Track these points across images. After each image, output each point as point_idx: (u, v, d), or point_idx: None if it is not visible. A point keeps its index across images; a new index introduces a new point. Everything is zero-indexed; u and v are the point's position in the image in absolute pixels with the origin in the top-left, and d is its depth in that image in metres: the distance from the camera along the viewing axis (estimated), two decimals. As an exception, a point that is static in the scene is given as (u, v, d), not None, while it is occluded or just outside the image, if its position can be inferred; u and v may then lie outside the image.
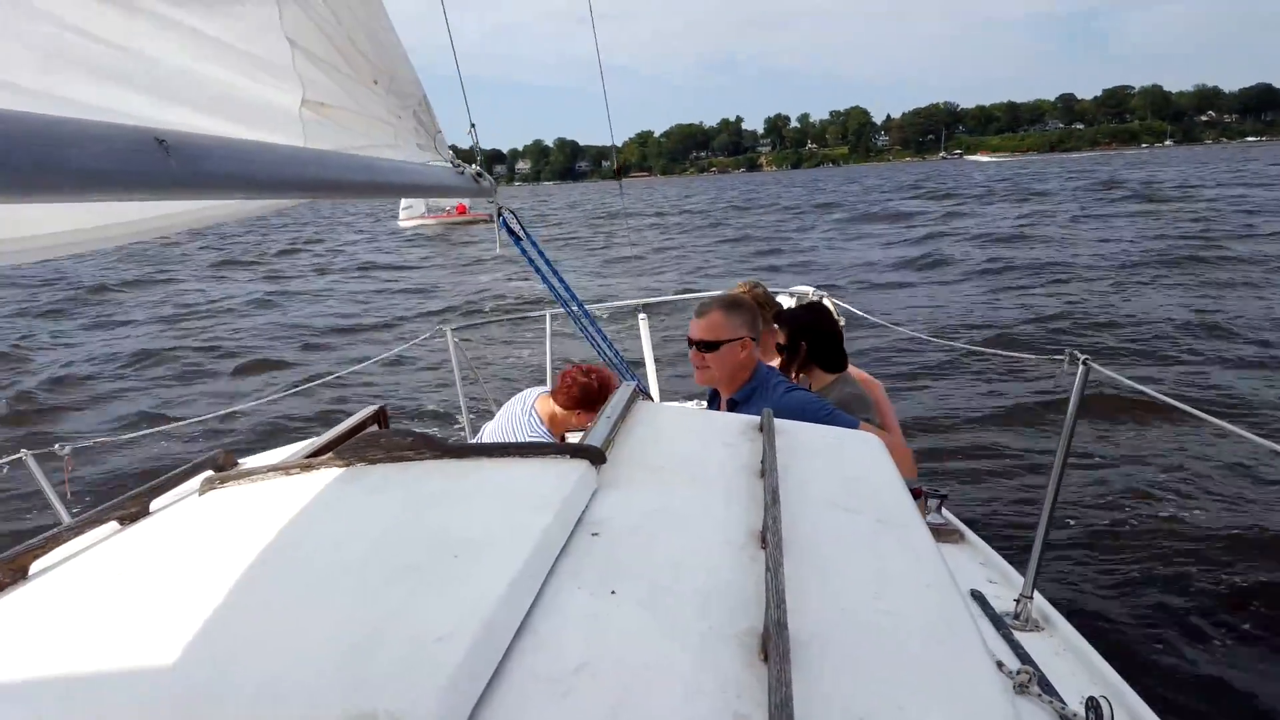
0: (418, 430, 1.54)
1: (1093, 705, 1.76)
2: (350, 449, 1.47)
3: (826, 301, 4.61)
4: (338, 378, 6.64)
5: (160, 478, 1.68)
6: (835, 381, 3.09)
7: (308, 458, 1.69)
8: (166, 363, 12.52)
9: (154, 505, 1.59)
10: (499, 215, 3.36)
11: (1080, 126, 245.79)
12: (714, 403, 2.77)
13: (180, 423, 4.80)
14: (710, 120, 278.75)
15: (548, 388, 3.41)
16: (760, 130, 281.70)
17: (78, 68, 1.59)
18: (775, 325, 3.20)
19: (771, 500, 1.23)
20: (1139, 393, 2.58)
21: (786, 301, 4.84)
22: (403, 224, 46.62)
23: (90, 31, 1.56)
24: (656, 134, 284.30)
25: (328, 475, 1.43)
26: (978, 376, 8.94)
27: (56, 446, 2.91)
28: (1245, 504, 5.21)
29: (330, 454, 1.49)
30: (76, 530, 1.43)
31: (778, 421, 1.71)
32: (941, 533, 3.34)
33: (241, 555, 1.16)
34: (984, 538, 3.30)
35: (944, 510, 3.49)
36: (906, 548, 1.20)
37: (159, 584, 1.16)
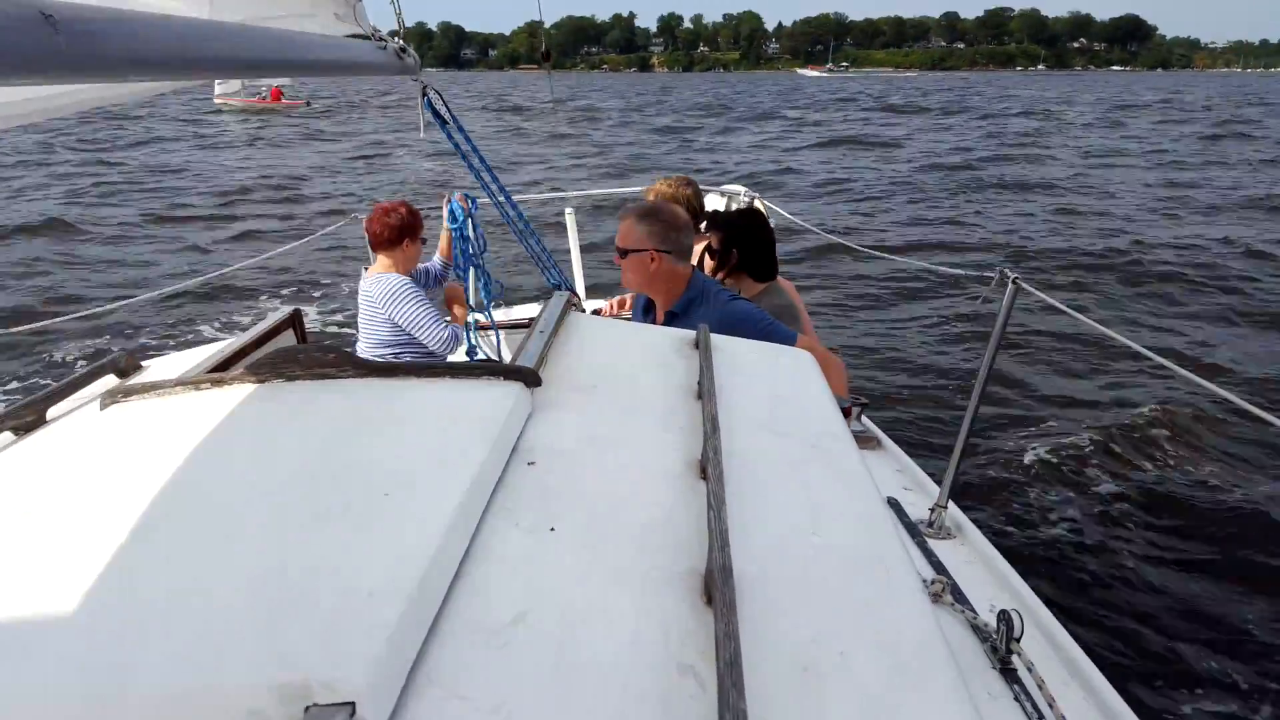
0: (338, 347, 1.41)
1: (1004, 617, 1.85)
2: (266, 363, 1.34)
3: (758, 204, 4.49)
4: (240, 268, 6.10)
5: (59, 382, 1.56)
6: (764, 291, 3.03)
7: (218, 370, 1.58)
8: (49, 244, 11.28)
9: (51, 413, 1.46)
10: (423, 95, 3.12)
11: (961, 46, 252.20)
12: (650, 313, 2.66)
13: (64, 318, 4.24)
14: (603, 14, 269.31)
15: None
16: (653, 29, 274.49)
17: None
18: (706, 228, 3.08)
19: (711, 429, 1.20)
20: (1064, 314, 2.64)
21: (717, 201, 4.68)
22: (216, 101, 43.62)
23: None
24: (547, 25, 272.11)
25: (241, 393, 1.31)
26: (905, 288, 8.91)
27: None
28: (1157, 428, 5.39)
29: (243, 368, 1.36)
30: None
31: (714, 337, 1.67)
32: (860, 440, 3.42)
33: (145, 489, 1.04)
34: (902, 445, 3.40)
35: (864, 418, 3.57)
36: (838, 475, 1.20)
37: (52, 522, 1.03)
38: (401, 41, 2.53)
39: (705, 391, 1.35)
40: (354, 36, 2.36)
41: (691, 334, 1.74)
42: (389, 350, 3.36)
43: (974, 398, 2.77)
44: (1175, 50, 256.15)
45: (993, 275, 2.71)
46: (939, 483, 2.95)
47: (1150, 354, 2.39)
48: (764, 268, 3.08)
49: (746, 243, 3.05)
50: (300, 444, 1.14)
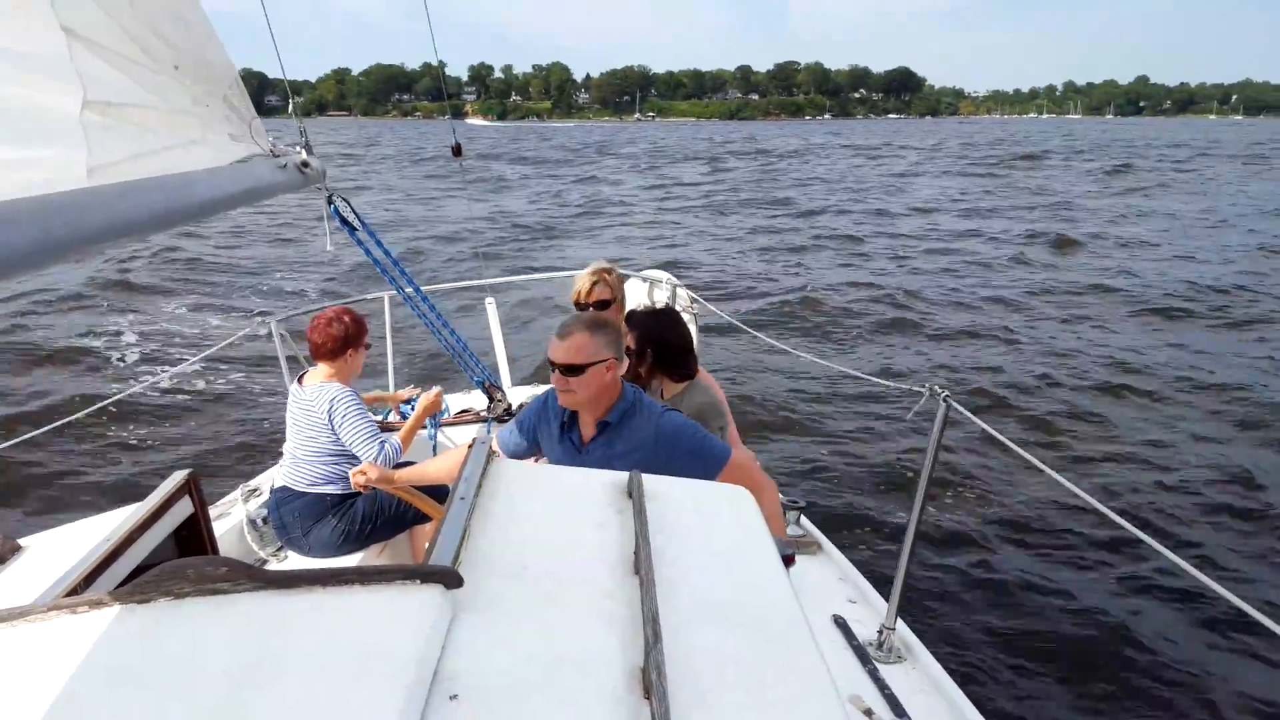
0: (231, 558, 1.27)
1: None
2: (154, 582, 1.20)
3: (680, 291, 4.46)
4: (136, 391, 5.17)
5: None
6: (687, 389, 3.00)
7: (110, 558, 1.49)
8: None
9: None
10: (329, 204, 2.87)
11: (755, 97, 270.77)
12: (568, 424, 2.52)
13: None
14: (412, 63, 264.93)
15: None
16: (465, 78, 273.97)
17: None
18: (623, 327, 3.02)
19: (653, 637, 1.14)
20: (992, 436, 2.71)
21: (638, 287, 4.62)
22: None
23: None
24: (355, 72, 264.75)
25: (124, 619, 1.15)
26: (834, 387, 8.61)
27: None
28: (1108, 549, 5.40)
29: (130, 589, 1.20)
30: None
31: (647, 483, 1.62)
32: (800, 544, 3.38)
33: None
34: (841, 548, 3.39)
35: (803, 520, 3.55)
36: (794, 674, 1.16)
37: None
38: (304, 152, 2.24)
39: (643, 574, 1.29)
40: (245, 159, 2.05)
41: (622, 478, 1.67)
42: (324, 463, 3.27)
43: (914, 515, 2.79)
44: (943, 99, 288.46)
45: (922, 390, 2.75)
46: (882, 592, 2.93)
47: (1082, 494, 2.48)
48: (681, 366, 3.02)
49: (661, 343, 2.99)
50: (190, 694, 1.01)
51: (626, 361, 2.52)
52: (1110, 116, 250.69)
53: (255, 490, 3.84)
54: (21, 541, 1.62)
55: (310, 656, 1.06)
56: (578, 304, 3.31)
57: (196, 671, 1.04)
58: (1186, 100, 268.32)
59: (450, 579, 1.22)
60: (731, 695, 1.09)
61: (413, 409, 3.82)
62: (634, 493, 1.55)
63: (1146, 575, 5.12)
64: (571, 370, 2.32)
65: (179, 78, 1.76)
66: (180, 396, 8.40)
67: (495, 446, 2.15)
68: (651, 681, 1.06)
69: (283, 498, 3.34)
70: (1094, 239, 18.90)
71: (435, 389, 3.55)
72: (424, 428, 3.87)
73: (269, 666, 1.04)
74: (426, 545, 1.36)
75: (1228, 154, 53.65)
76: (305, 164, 2.22)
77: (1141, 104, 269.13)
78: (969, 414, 2.69)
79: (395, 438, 3.27)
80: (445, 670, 1.08)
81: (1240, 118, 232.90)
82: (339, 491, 3.30)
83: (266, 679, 1.03)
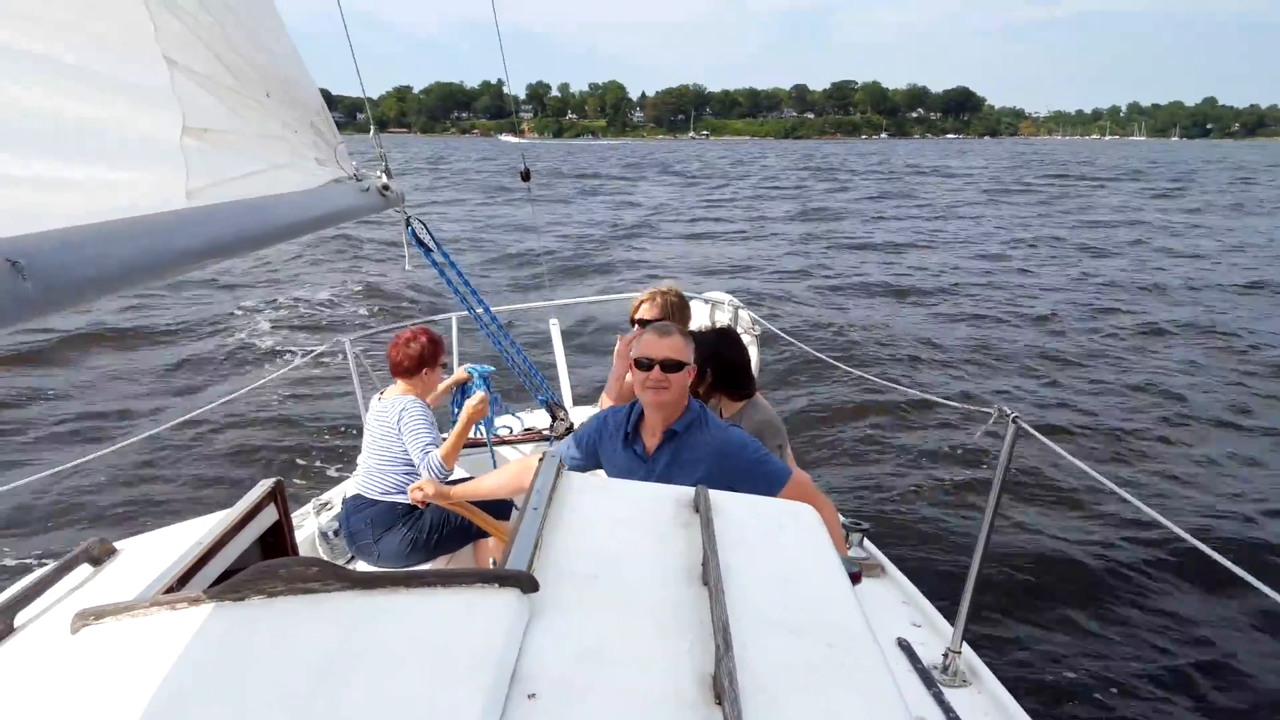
0: (321, 559, 1.36)
1: None
2: (248, 580, 1.26)
3: (742, 314, 4.49)
4: (217, 405, 5.40)
5: (27, 580, 1.56)
6: (745, 407, 3.03)
7: (201, 561, 1.58)
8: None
9: (20, 619, 1.44)
10: (407, 226, 2.97)
11: (811, 115, 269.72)
12: (631, 435, 2.53)
13: (17, 482, 3.35)
14: (472, 81, 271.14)
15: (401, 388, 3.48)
16: (523, 95, 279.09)
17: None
18: None
19: (724, 645, 1.15)
20: (1064, 458, 2.66)
21: (701, 309, 4.67)
22: None
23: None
24: (416, 90, 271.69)
25: (220, 613, 1.22)
26: (894, 407, 8.41)
27: None
28: (1184, 575, 5.22)
29: (224, 587, 1.28)
30: None
31: (712, 499, 1.65)
32: (864, 567, 3.35)
33: None
34: (905, 571, 3.35)
35: (866, 543, 3.52)
36: (861, 690, 1.16)
37: None
38: (384, 177, 2.31)
39: (712, 584, 1.31)
40: (330, 182, 2.12)
41: (689, 493, 1.70)
42: (397, 471, 3.36)
43: (981, 537, 2.76)
44: (1003, 119, 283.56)
45: (990, 411, 2.70)
46: (948, 616, 2.89)
47: (1141, 505, 2.40)
48: (740, 386, 3.06)
49: (719, 362, 3.03)
50: (280, 685, 1.06)
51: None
52: (1176, 139, 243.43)
53: (327, 504, 3.95)
54: (117, 544, 1.71)
55: (394, 652, 1.10)
56: (632, 320, 3.35)
57: (286, 664, 1.08)
58: (1256, 122, 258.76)
59: (526, 583, 1.25)
60: (802, 706, 1.09)
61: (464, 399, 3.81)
62: (700, 507, 1.58)
63: (1228, 604, 4.93)
64: (672, 366, 2.38)
65: (270, 105, 1.83)
66: (257, 413, 8.64)
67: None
68: (724, 688, 1.07)
69: (355, 505, 3.42)
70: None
71: (479, 393, 3.58)
72: (474, 434, 3.93)
73: (354, 661, 1.08)
74: (491, 558, 1.39)
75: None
76: (386, 187, 2.29)
77: (1209, 126, 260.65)
78: (1039, 435, 2.64)
79: (437, 453, 3.27)
80: (523, 670, 1.10)
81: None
82: (409, 501, 3.36)
83: (352, 672, 1.07)
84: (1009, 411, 2.65)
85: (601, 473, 2.58)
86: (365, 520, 3.37)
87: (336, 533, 3.65)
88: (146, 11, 1.44)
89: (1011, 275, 17.17)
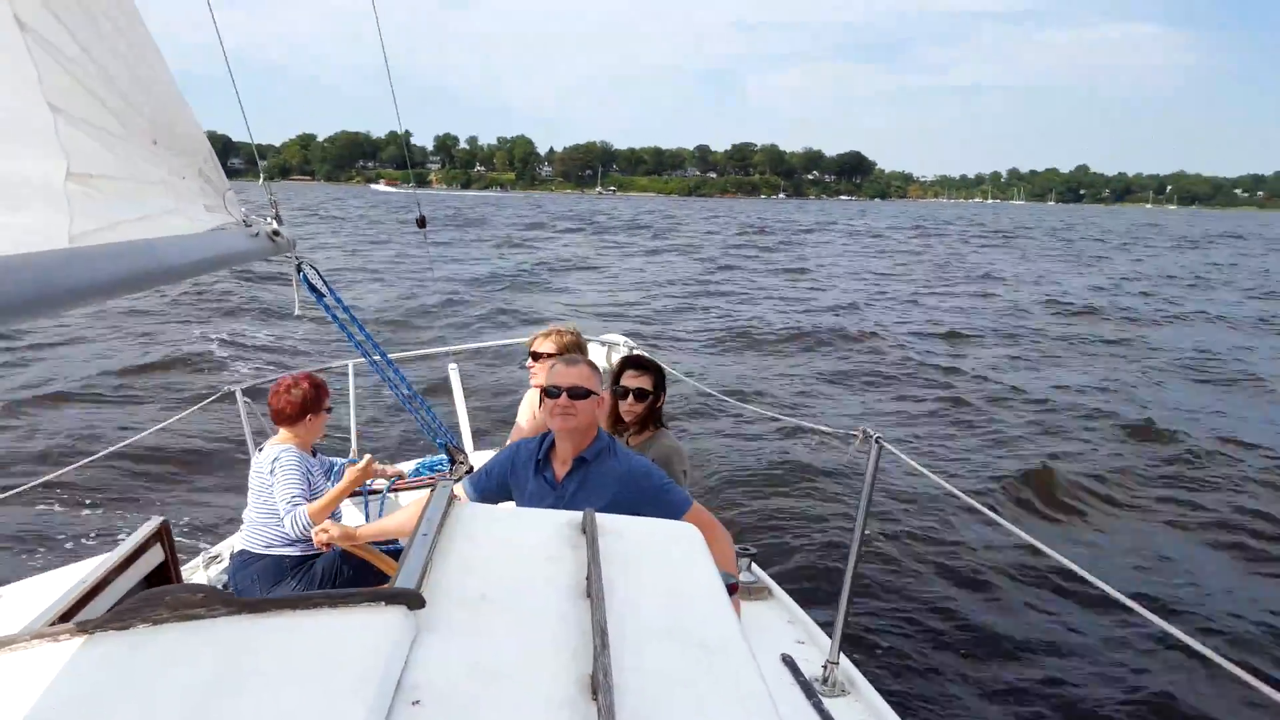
0: (208, 586, 1.36)
1: None
2: (133, 610, 1.27)
3: (639, 354, 4.60)
4: (108, 452, 5.07)
5: None
6: (652, 437, 3.17)
7: (85, 599, 1.59)
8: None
9: None
10: (299, 270, 2.97)
11: (713, 175, 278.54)
12: (542, 463, 2.61)
13: None
14: (378, 131, 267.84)
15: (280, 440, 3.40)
16: (430, 147, 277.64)
17: None
18: (633, 371, 3.23)
19: (601, 644, 1.22)
20: (922, 473, 2.88)
21: (598, 350, 4.75)
22: None
23: None
24: (320, 138, 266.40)
25: (104, 644, 1.22)
26: (775, 437, 9.01)
27: None
28: (1040, 584, 5.67)
29: (107, 615, 1.28)
30: None
31: (601, 520, 1.72)
32: (751, 590, 3.49)
33: None
34: (790, 592, 3.49)
35: (754, 567, 3.65)
36: (734, 694, 1.24)
37: None
38: (275, 223, 2.35)
39: (594, 595, 1.37)
40: (219, 228, 2.15)
41: (576, 516, 1.76)
42: (280, 524, 3.25)
43: (852, 554, 2.93)
44: (893, 182, 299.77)
45: (856, 434, 2.90)
46: (829, 631, 3.05)
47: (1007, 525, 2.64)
48: (659, 415, 3.24)
49: (661, 389, 3.22)
50: (166, 712, 1.06)
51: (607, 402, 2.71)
52: (1052, 203, 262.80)
53: (216, 556, 3.84)
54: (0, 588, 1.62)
55: (280, 672, 1.12)
56: (531, 354, 3.53)
57: (171, 690, 1.09)
58: (1124, 189, 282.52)
59: (413, 600, 1.29)
60: (675, 702, 1.16)
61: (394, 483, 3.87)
62: (587, 528, 1.65)
63: (1084, 612, 5.36)
64: (579, 394, 2.47)
65: (157, 152, 1.87)
66: (145, 465, 8.21)
67: (459, 493, 2.21)
68: (599, 682, 1.12)
69: (242, 561, 3.33)
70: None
71: (366, 457, 3.58)
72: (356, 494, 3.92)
73: (241, 683, 1.09)
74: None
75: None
76: (276, 233, 2.33)
77: (1081, 191, 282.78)
78: (902, 455, 2.85)
79: (304, 508, 3.21)
80: (409, 681, 1.14)
81: (1174, 207, 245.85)
82: (297, 553, 3.30)
83: (239, 695, 1.08)
84: (873, 433, 2.86)
85: (509, 504, 2.64)
86: (252, 576, 3.28)
87: (225, 586, 3.54)
88: (30, 58, 1.48)
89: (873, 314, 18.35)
